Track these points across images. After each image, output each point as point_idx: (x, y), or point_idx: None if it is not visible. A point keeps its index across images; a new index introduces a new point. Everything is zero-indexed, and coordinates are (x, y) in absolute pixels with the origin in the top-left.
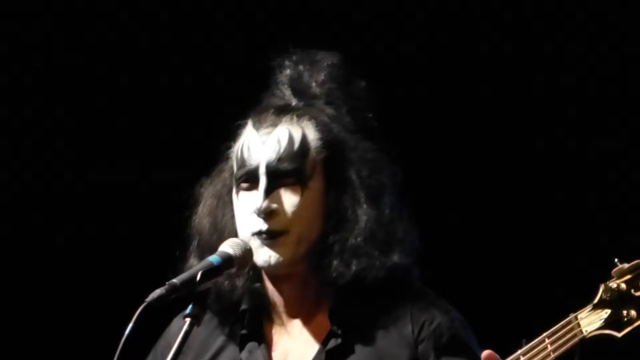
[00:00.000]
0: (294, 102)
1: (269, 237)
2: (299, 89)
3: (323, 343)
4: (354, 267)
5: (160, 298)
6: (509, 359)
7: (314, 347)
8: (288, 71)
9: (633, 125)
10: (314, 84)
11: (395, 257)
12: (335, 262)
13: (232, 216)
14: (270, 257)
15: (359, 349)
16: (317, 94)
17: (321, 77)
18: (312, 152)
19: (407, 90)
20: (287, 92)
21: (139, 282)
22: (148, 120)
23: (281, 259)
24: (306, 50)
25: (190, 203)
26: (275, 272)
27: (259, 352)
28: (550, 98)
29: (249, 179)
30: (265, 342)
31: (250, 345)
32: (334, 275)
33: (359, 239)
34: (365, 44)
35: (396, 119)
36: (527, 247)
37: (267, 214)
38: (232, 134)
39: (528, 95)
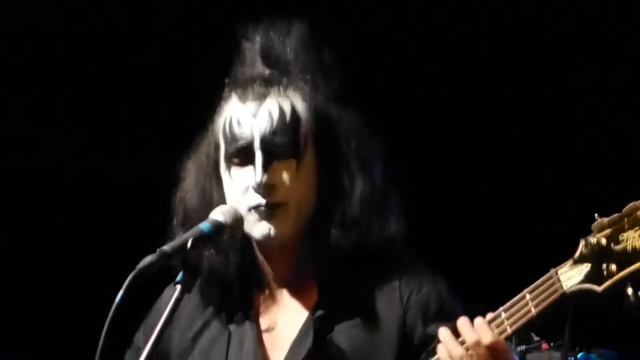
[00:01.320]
0: (267, 71)
1: (269, 210)
2: (271, 58)
3: (311, 312)
4: (353, 237)
5: (151, 265)
6: (490, 316)
7: (302, 316)
8: (258, 39)
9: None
10: (287, 51)
11: (392, 227)
12: (334, 232)
13: (220, 188)
14: (270, 230)
15: (346, 317)
16: (290, 62)
17: (293, 45)
18: (303, 124)
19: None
20: (259, 64)
21: (130, 252)
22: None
23: (281, 231)
24: (274, 19)
25: (174, 176)
26: (272, 244)
27: (247, 322)
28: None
29: (242, 154)
30: (254, 312)
31: (239, 315)
32: (333, 244)
33: (356, 209)
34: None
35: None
36: (510, 209)
37: (266, 189)
38: (212, 107)
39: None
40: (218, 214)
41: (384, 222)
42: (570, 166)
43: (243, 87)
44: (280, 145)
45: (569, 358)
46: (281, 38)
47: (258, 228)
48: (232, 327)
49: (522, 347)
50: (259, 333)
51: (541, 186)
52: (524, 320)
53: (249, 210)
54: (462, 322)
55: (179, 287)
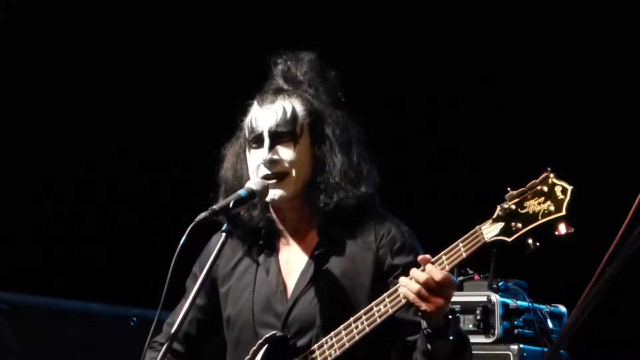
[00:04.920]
0: (285, 86)
1: (273, 178)
2: (288, 78)
3: (313, 251)
4: (335, 198)
5: (205, 218)
6: (436, 258)
7: (307, 253)
8: (280, 66)
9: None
10: (298, 73)
11: (363, 188)
12: (322, 196)
13: (247, 168)
14: (275, 194)
15: (337, 254)
16: (301, 80)
17: (304, 68)
18: (300, 119)
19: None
20: (280, 81)
21: (189, 211)
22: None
23: (283, 195)
24: (293, 51)
25: (218, 160)
26: (278, 205)
27: (271, 258)
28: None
29: (257, 140)
30: (275, 250)
31: (265, 253)
32: (322, 205)
33: (336, 178)
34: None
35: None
36: (452, 186)
37: (270, 163)
38: (244, 110)
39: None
40: (252, 184)
41: (356, 187)
42: (494, 157)
43: (261, 96)
44: (281, 133)
45: (493, 285)
46: (296, 63)
47: (269, 194)
48: (260, 260)
49: (461, 278)
50: (278, 265)
51: (471, 170)
52: (457, 260)
53: (261, 179)
54: (414, 269)
55: (224, 234)
